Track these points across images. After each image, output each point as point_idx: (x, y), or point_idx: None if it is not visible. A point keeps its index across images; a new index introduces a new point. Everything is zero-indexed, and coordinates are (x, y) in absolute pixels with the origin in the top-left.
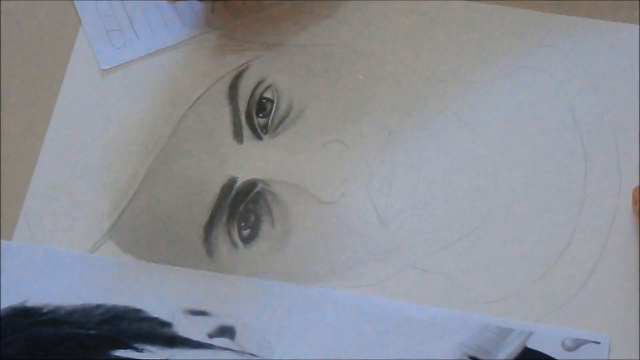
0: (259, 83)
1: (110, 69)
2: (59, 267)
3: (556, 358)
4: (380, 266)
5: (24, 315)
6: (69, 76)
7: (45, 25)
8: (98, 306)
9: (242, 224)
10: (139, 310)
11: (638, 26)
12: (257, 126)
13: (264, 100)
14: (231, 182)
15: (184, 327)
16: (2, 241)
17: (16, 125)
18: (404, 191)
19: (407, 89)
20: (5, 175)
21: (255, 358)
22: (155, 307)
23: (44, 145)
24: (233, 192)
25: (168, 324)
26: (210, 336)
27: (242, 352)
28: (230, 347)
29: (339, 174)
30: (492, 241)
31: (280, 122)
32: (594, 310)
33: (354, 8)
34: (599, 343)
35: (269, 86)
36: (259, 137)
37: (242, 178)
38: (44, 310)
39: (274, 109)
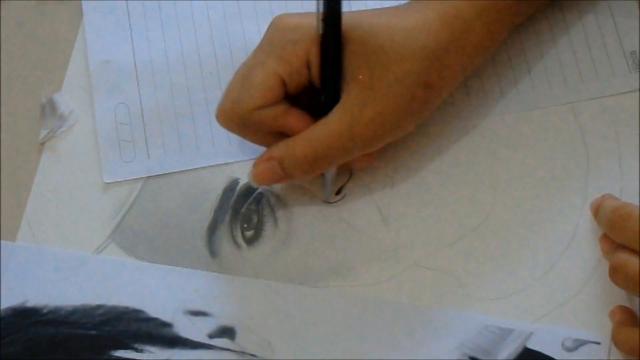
0: None
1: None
2: (59, 268)
3: (556, 358)
4: (383, 265)
5: (24, 316)
6: (70, 75)
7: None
8: (98, 307)
9: (245, 225)
10: (139, 311)
11: (638, 22)
12: None
13: None
14: (233, 183)
15: (184, 328)
16: (2, 241)
17: (17, 125)
18: (407, 190)
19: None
20: (7, 179)
21: (256, 358)
22: (155, 307)
23: (45, 147)
24: (235, 194)
25: (168, 325)
26: (211, 337)
27: (243, 353)
28: (231, 347)
29: (340, 174)
30: (494, 239)
31: None
32: (596, 307)
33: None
34: (599, 343)
35: None
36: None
37: (244, 179)
38: (44, 311)
39: None
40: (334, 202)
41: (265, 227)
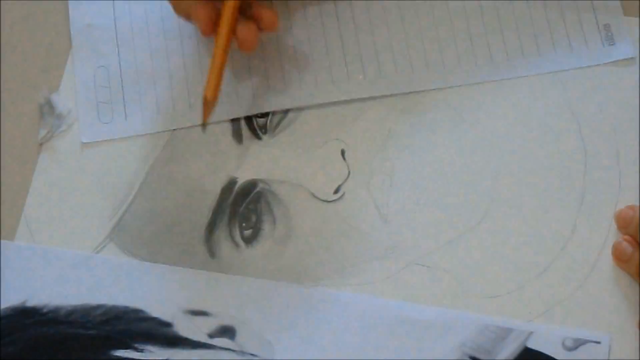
0: None
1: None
2: (59, 267)
3: (556, 358)
4: (382, 264)
5: (24, 315)
6: (68, 75)
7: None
8: (98, 306)
9: (244, 224)
10: (139, 310)
11: (638, 21)
12: (256, 126)
13: None
14: (231, 182)
15: (185, 327)
16: (2, 241)
17: (16, 125)
18: (405, 188)
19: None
20: (6, 179)
21: (256, 358)
22: (155, 307)
23: (44, 147)
24: (234, 193)
25: (168, 324)
26: (211, 336)
27: (243, 352)
28: (231, 347)
29: (339, 173)
30: (493, 237)
31: (279, 121)
32: (595, 305)
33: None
34: (599, 343)
35: None
36: (258, 137)
37: (242, 178)
38: (44, 311)
39: None
40: (332, 200)
41: (263, 226)
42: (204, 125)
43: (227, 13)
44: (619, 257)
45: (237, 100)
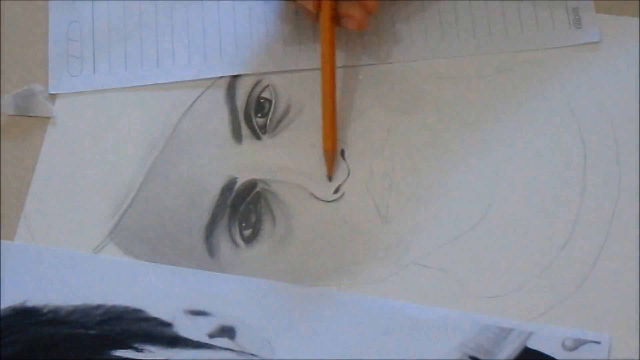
0: (257, 83)
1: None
2: (59, 267)
3: (556, 358)
4: (382, 264)
5: (24, 316)
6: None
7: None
8: (98, 306)
9: (244, 224)
10: (139, 311)
11: (638, 20)
12: (256, 126)
13: (262, 100)
14: (231, 182)
15: (185, 327)
16: (2, 241)
17: (15, 124)
18: (405, 188)
19: (405, 85)
20: (5, 178)
21: (256, 358)
22: (155, 307)
23: (43, 147)
24: (233, 193)
25: (168, 324)
26: (211, 336)
27: (243, 352)
28: (231, 347)
29: (339, 172)
30: (493, 237)
31: (279, 121)
32: (595, 305)
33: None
34: (599, 343)
35: (267, 86)
36: (258, 137)
37: (242, 178)
38: (44, 311)
39: (272, 108)
40: (332, 200)
41: (263, 225)
42: (329, 177)
43: (325, 48)
44: None
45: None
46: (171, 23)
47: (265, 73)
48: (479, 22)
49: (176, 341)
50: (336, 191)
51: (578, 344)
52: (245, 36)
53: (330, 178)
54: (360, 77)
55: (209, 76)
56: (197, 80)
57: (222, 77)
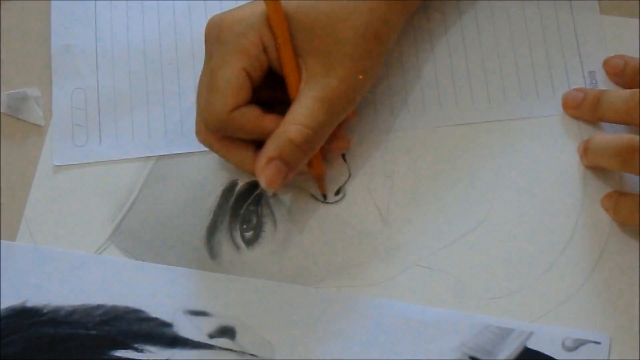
0: None
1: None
2: (59, 268)
3: (556, 358)
4: (383, 265)
5: (24, 316)
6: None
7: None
8: (98, 306)
9: (245, 226)
10: (139, 311)
11: (638, 20)
12: None
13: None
14: (232, 184)
15: (185, 328)
16: (3, 242)
17: (16, 125)
18: (406, 190)
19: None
20: (6, 179)
21: (256, 359)
22: (155, 307)
23: (44, 148)
24: (234, 195)
25: (168, 325)
26: (211, 336)
27: (243, 353)
28: (231, 347)
29: (340, 174)
30: (494, 238)
31: None
32: (595, 306)
33: None
34: (599, 343)
35: None
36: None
37: (243, 180)
38: (44, 311)
39: None
40: (333, 202)
41: (264, 227)
42: (324, 196)
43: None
44: (571, 105)
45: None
46: (178, 89)
47: None
48: (493, 89)
49: (176, 341)
50: (337, 193)
51: (578, 344)
52: None
53: (325, 196)
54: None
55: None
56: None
57: None
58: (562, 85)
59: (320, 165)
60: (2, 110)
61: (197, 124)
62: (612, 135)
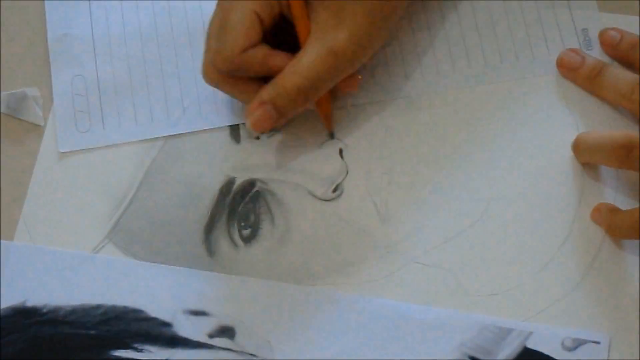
0: None
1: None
2: (58, 267)
3: (556, 358)
4: (381, 262)
5: (24, 315)
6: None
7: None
8: (98, 306)
9: (242, 223)
10: (138, 311)
11: (638, 18)
12: None
13: None
14: (230, 182)
15: (184, 327)
16: (2, 241)
17: (14, 125)
18: (403, 187)
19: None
20: (4, 179)
21: (255, 358)
22: (155, 307)
23: (41, 148)
24: (232, 192)
25: (168, 324)
26: (210, 336)
27: (242, 352)
28: (230, 347)
29: (337, 171)
30: (491, 235)
31: None
32: (594, 304)
33: None
34: (598, 343)
35: None
36: (257, 137)
37: (240, 178)
38: (44, 310)
39: None
40: (331, 199)
41: (262, 225)
42: (331, 134)
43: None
44: (567, 66)
45: None
46: (177, 71)
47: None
48: (489, 50)
49: (176, 341)
50: (335, 190)
51: (577, 343)
52: None
53: (332, 135)
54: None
55: (221, 125)
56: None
57: None
58: (556, 45)
59: (328, 104)
60: (2, 111)
61: (204, 65)
62: (605, 133)
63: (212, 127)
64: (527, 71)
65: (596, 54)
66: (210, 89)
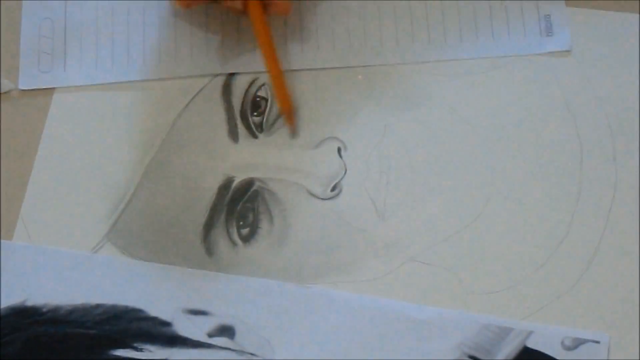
0: (252, 82)
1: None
2: (58, 267)
3: (556, 357)
4: (380, 261)
5: (24, 315)
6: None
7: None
8: (98, 306)
9: (241, 222)
10: (138, 310)
11: (638, 16)
12: (252, 125)
13: (258, 99)
14: (228, 181)
15: (184, 327)
16: (2, 241)
17: (13, 124)
18: (402, 185)
19: (402, 83)
20: (3, 178)
21: (255, 358)
22: (155, 306)
23: (40, 148)
24: (230, 192)
25: (168, 324)
26: (210, 336)
27: (242, 352)
28: (230, 346)
29: (336, 170)
30: (490, 233)
31: (275, 120)
32: (593, 300)
33: None
34: (598, 342)
35: (263, 85)
36: (255, 136)
37: (239, 177)
38: (44, 310)
39: (268, 107)
40: (329, 198)
41: (261, 224)
42: (293, 134)
43: (257, 18)
44: None
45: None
46: (143, 22)
47: (260, 72)
48: (450, 28)
49: (175, 340)
50: (333, 189)
51: (577, 343)
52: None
53: (293, 136)
54: (360, 77)
55: (180, 75)
56: (186, 77)
57: (218, 75)
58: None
59: (287, 99)
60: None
61: None
62: None
63: (171, 76)
64: (487, 52)
65: (556, 40)
66: (172, 41)
